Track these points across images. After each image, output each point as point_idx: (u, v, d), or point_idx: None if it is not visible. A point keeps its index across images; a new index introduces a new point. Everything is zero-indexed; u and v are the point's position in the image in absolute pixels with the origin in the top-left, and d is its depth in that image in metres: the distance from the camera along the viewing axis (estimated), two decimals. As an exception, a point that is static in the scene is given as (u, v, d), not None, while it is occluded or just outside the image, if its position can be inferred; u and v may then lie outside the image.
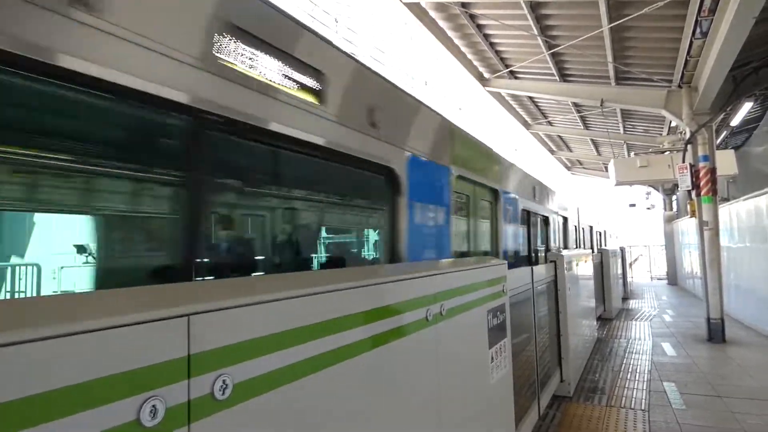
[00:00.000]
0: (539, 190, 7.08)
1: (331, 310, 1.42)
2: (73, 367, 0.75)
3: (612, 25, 7.18)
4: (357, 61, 2.65)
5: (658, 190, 21.09)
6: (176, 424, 0.90)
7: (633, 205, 22.43)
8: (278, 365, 1.18)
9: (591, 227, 13.53)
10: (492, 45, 9.37)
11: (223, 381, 1.01)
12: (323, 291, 1.39)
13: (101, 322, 0.80)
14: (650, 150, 14.06)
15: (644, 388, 5.50)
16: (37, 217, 2.62)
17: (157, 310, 0.90)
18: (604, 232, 16.64)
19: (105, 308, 0.92)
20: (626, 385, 5.60)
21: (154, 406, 0.85)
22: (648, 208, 22.51)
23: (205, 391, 0.97)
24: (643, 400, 5.05)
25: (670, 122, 11.60)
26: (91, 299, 1.06)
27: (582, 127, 14.80)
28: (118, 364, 0.81)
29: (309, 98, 2.14)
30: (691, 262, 15.69)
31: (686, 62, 7.87)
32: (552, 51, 8.71)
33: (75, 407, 0.74)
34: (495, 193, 4.96)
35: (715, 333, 8.13)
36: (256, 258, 2.63)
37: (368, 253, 3.20)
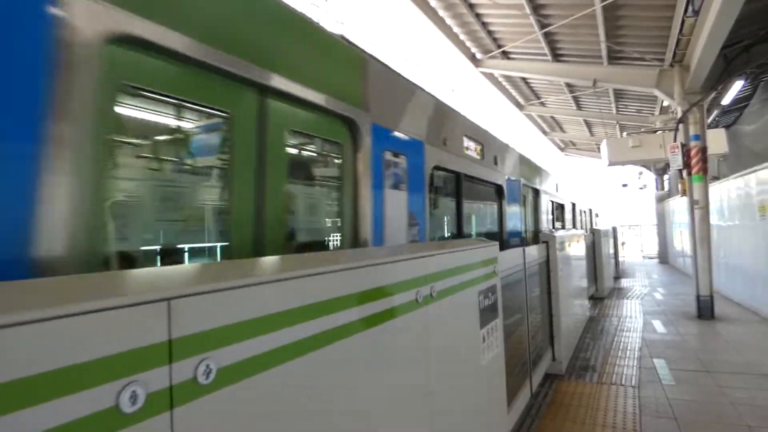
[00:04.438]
0: (558, 184, 9.41)
1: (319, 292, 1.40)
2: (49, 352, 0.73)
3: (604, 3, 7.10)
4: (491, 134, 5.10)
5: (650, 170, 21.18)
6: (158, 410, 0.89)
7: (625, 185, 22.53)
8: (264, 349, 1.16)
9: (590, 210, 14.47)
10: (484, 25, 9.25)
11: (207, 365, 0.99)
12: (310, 274, 1.37)
13: (79, 307, 0.78)
14: (642, 130, 14.07)
15: (635, 365, 5.60)
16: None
17: (137, 295, 0.88)
18: (593, 211, 16.76)
19: (84, 292, 0.90)
20: (617, 363, 5.70)
21: (134, 391, 0.84)
22: (640, 188, 22.62)
23: (187, 375, 0.96)
24: (634, 377, 5.15)
25: (663, 102, 11.58)
26: (69, 283, 1.03)
27: (575, 108, 14.76)
28: (95, 350, 0.79)
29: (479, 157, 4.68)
30: (681, 240, 15.85)
31: (678, 41, 7.82)
32: (545, 30, 8.62)
33: (50, 394, 0.72)
34: (536, 191, 7.57)
35: (705, 310, 8.26)
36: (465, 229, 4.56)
37: (494, 229, 5.62)
